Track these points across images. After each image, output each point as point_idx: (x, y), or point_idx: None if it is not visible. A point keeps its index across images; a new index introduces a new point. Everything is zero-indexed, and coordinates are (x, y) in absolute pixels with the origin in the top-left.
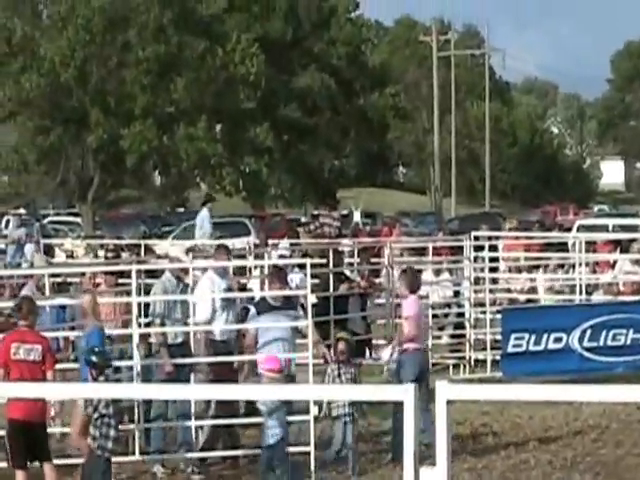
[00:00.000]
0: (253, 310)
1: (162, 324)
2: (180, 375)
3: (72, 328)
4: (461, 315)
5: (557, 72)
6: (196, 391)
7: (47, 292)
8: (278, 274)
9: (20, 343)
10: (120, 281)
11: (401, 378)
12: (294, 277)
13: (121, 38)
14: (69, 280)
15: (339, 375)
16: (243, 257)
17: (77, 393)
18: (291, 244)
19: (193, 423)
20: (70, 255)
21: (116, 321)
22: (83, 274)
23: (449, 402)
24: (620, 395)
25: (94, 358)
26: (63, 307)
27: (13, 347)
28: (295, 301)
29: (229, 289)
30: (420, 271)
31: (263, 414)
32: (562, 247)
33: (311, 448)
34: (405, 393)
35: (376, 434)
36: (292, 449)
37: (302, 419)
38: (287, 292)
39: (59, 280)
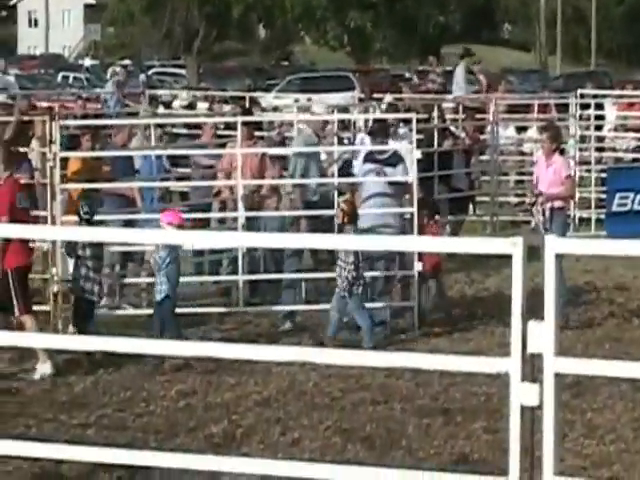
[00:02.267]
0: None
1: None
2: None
3: (179, 179)
4: None
5: None
6: (292, 240)
7: (153, 142)
8: (381, 128)
9: (20, 192)
10: (226, 133)
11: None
12: (399, 131)
13: None
14: (175, 131)
15: None
16: (347, 111)
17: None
18: (395, 99)
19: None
20: (188, 106)
21: (250, 173)
22: (197, 125)
23: (558, 256)
24: None
25: (84, 207)
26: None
27: (17, 196)
28: (400, 157)
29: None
30: (525, 128)
31: (153, 270)
32: None
33: (414, 303)
34: (513, 246)
35: (479, 290)
36: (397, 304)
37: (406, 274)
38: (391, 146)
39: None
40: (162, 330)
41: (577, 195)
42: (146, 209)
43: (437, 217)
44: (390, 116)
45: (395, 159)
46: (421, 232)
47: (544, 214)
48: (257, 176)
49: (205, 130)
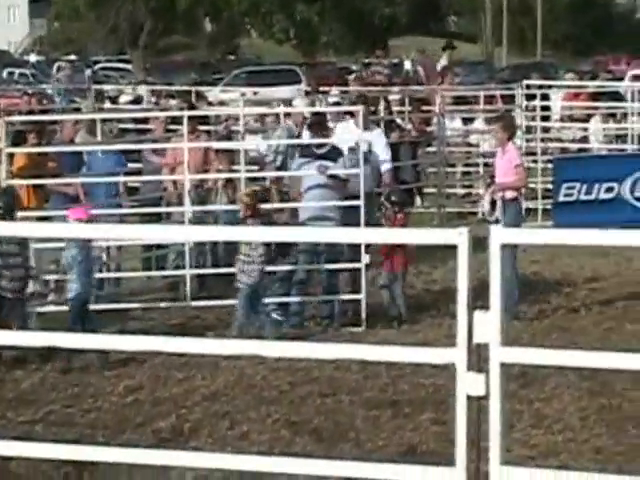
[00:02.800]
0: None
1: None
2: None
3: (136, 173)
4: None
5: None
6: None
7: (99, 137)
8: (319, 121)
9: None
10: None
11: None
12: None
13: None
14: (122, 126)
15: None
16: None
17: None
18: (341, 92)
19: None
20: (134, 101)
21: (194, 168)
22: (147, 119)
23: (503, 246)
24: None
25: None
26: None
27: None
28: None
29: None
30: (472, 119)
31: (65, 268)
32: (615, 96)
33: (362, 296)
34: (459, 236)
35: (427, 282)
36: (344, 297)
37: (354, 266)
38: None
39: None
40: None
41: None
42: (103, 204)
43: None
44: (337, 109)
45: (334, 154)
46: (389, 224)
47: (493, 203)
48: (200, 170)
49: (156, 124)
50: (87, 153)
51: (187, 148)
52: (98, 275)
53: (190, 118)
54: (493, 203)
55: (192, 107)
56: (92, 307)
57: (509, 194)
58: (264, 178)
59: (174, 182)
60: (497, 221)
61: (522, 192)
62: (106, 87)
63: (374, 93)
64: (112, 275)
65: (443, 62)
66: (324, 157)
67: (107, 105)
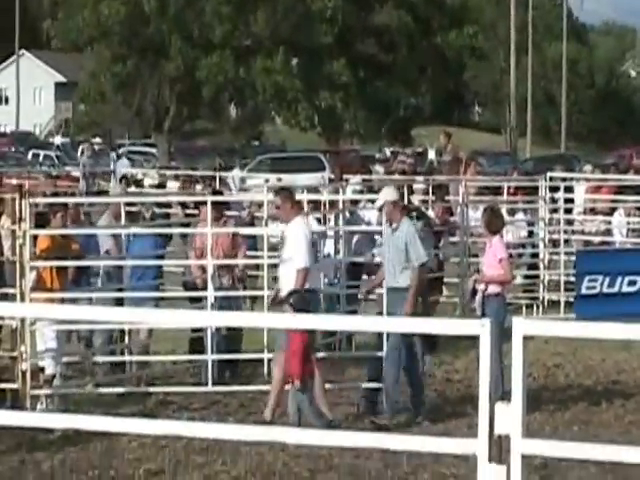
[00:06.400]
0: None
1: None
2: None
3: (160, 257)
4: (535, 256)
5: (635, 15)
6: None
7: (123, 221)
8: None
9: None
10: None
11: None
12: (367, 214)
13: None
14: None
15: None
16: (318, 192)
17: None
18: (364, 180)
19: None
20: (158, 185)
21: (218, 253)
22: (168, 205)
23: (526, 338)
24: None
25: None
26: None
27: None
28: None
29: None
30: None
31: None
32: (638, 190)
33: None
34: (482, 328)
35: (448, 371)
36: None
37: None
38: (362, 228)
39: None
40: None
41: (546, 278)
42: (136, 287)
43: None
44: (360, 197)
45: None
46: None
47: (474, 295)
48: (228, 255)
49: (178, 213)
50: (124, 236)
51: (212, 233)
52: (122, 358)
53: (215, 204)
54: (475, 292)
55: (216, 192)
56: (115, 390)
57: (492, 288)
58: None
59: (202, 267)
60: (476, 312)
61: (506, 287)
62: (130, 170)
63: (399, 182)
64: (136, 358)
65: (431, 155)
66: None
67: (132, 189)
